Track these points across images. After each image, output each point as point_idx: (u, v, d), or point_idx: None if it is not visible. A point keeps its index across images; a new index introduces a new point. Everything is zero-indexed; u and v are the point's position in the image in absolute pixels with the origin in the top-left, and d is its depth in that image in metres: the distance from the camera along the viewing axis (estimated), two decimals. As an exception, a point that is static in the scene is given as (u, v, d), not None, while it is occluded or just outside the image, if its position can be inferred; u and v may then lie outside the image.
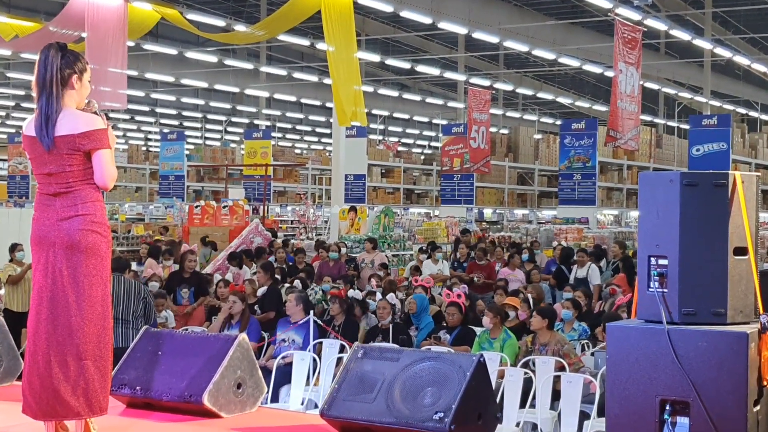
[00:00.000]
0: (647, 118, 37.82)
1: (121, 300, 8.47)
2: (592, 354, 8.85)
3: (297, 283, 12.25)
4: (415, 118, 45.87)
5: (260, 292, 11.29)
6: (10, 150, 32.18)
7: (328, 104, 33.13)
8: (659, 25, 24.87)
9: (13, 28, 20.11)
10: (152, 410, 5.27)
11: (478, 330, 9.41)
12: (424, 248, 17.27)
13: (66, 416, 4.44)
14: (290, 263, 15.14)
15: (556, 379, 7.48)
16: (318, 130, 49.58)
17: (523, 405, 7.28)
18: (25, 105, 39.24)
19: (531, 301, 10.82)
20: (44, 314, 4.43)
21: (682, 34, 25.69)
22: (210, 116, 45.11)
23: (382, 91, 36.28)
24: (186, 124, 46.49)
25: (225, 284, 11.64)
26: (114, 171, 4.53)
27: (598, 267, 14.02)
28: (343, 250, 15.96)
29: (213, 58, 30.51)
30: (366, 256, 15.80)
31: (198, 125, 46.61)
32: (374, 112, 39.43)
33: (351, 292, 10.87)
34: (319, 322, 9.44)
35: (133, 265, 13.76)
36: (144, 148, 41.05)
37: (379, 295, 11.13)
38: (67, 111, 4.44)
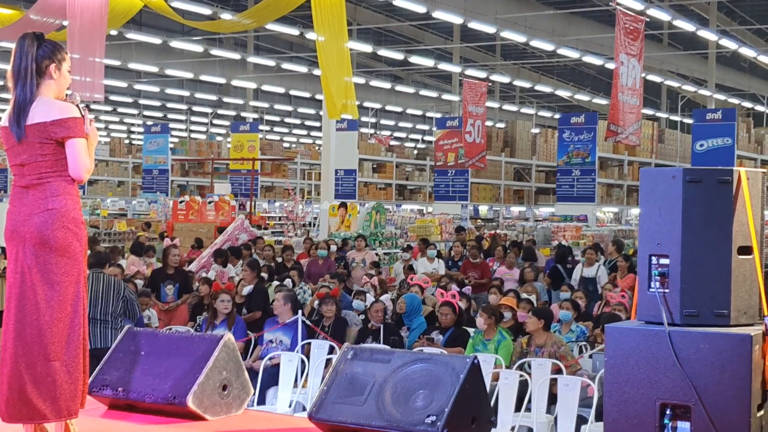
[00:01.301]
0: (649, 111, 37.84)
1: (99, 299, 8.25)
2: (590, 356, 8.75)
3: (288, 282, 12.08)
4: (408, 111, 45.57)
5: (246, 291, 11.09)
6: (-13, 142, 31.51)
7: (318, 96, 32.84)
8: (662, 15, 24.71)
9: (-7, 16, 19.72)
10: (134, 412, 5.22)
11: (471, 331, 9.33)
12: (406, 247, 17.07)
13: (32, 419, 4.35)
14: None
15: (553, 382, 7.39)
16: (307, 123, 49.40)
17: (518, 409, 7.25)
18: (3, 96, 38.50)
19: (535, 301, 10.68)
20: (12, 312, 4.36)
21: (686, 25, 25.55)
22: (195, 108, 45.11)
23: (374, 82, 36.04)
24: (170, 116, 46.48)
25: (204, 282, 11.33)
26: (88, 162, 4.43)
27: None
28: (333, 247, 15.58)
29: (198, 48, 30.25)
30: (356, 255, 15.50)
31: (183, 117, 46.55)
32: (366, 104, 39.26)
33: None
34: (308, 322, 9.35)
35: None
36: (127, 141, 41.05)
37: (369, 297, 10.96)
38: (41, 99, 4.40)
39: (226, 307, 9.42)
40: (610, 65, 25.43)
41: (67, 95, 4.54)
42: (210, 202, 19.69)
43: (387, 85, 37.89)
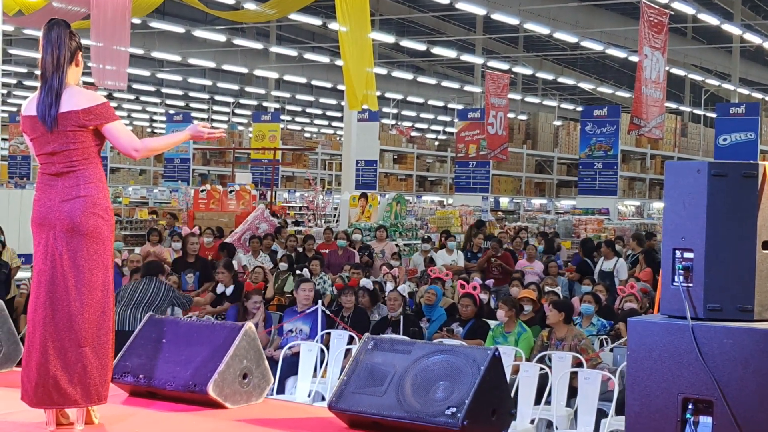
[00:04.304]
0: (672, 105, 37.56)
1: (147, 294, 8.81)
2: (611, 350, 8.70)
3: (305, 271, 11.89)
4: (430, 102, 45.37)
5: (229, 291, 10.71)
6: (11, 129, 31.95)
7: (340, 87, 32.78)
8: (687, 9, 24.56)
9: (17, 2, 19.79)
10: (155, 399, 5.21)
11: (492, 323, 9.28)
12: (426, 238, 16.98)
13: (63, 404, 4.39)
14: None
15: (573, 376, 7.35)
16: (329, 113, 49.27)
17: (538, 401, 7.21)
18: (27, 83, 38.68)
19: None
20: (42, 299, 4.39)
21: (710, 19, 25.50)
22: (217, 97, 45.02)
23: (396, 73, 35.91)
24: (192, 105, 46.44)
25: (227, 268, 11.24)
26: (133, 138, 4.53)
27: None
28: (357, 236, 15.51)
29: (221, 37, 30.17)
30: (376, 245, 15.38)
31: (205, 107, 46.46)
32: (387, 95, 39.13)
33: (363, 281, 10.61)
34: (327, 312, 9.33)
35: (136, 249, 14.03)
36: (149, 130, 40.86)
37: (389, 286, 10.77)
38: (69, 88, 4.45)
39: (258, 308, 9.50)
40: (634, 58, 25.25)
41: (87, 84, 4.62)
42: (231, 192, 19.61)
43: (409, 76, 37.78)
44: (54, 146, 4.41)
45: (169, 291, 8.99)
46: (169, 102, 45.42)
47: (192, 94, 44.24)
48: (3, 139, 34.22)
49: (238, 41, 30.75)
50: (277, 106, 42.72)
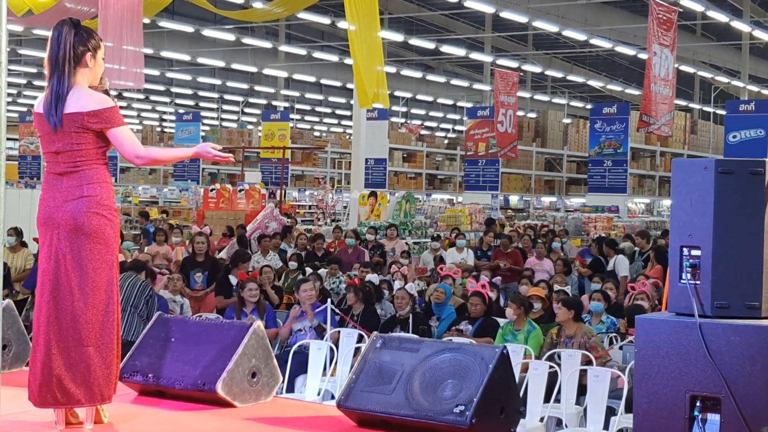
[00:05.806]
0: (682, 102, 37.48)
1: (122, 291, 8.52)
2: (621, 348, 8.68)
3: (322, 271, 12.02)
4: (439, 100, 45.33)
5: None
6: (21, 129, 32.01)
7: (349, 85, 32.80)
8: (696, 6, 24.52)
9: (26, 2, 19.77)
10: (164, 398, 5.22)
11: (501, 321, 9.29)
12: (436, 236, 17.05)
13: (67, 404, 4.40)
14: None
15: (582, 373, 7.34)
16: (338, 112, 49.26)
17: (547, 399, 7.18)
18: (36, 83, 38.96)
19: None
20: (46, 298, 4.40)
21: (719, 16, 25.40)
22: (227, 97, 45.03)
23: (405, 72, 35.89)
24: (202, 104, 46.43)
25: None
26: (137, 145, 4.47)
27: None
28: (370, 236, 15.59)
29: (230, 37, 30.17)
30: (387, 244, 15.42)
31: (214, 106, 46.47)
32: (396, 93, 39.07)
33: (369, 276, 10.62)
34: (336, 310, 9.34)
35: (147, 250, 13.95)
36: (159, 129, 40.92)
37: (398, 284, 10.91)
38: (77, 89, 4.41)
39: (254, 296, 9.42)
40: (643, 55, 25.23)
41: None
42: (240, 191, 19.63)
43: (418, 75, 37.75)
44: (58, 146, 4.41)
45: (145, 288, 8.71)
46: (178, 101, 45.42)
47: (201, 93, 44.24)
48: (13, 139, 34.31)
49: (247, 40, 30.72)
50: (287, 105, 42.68)
